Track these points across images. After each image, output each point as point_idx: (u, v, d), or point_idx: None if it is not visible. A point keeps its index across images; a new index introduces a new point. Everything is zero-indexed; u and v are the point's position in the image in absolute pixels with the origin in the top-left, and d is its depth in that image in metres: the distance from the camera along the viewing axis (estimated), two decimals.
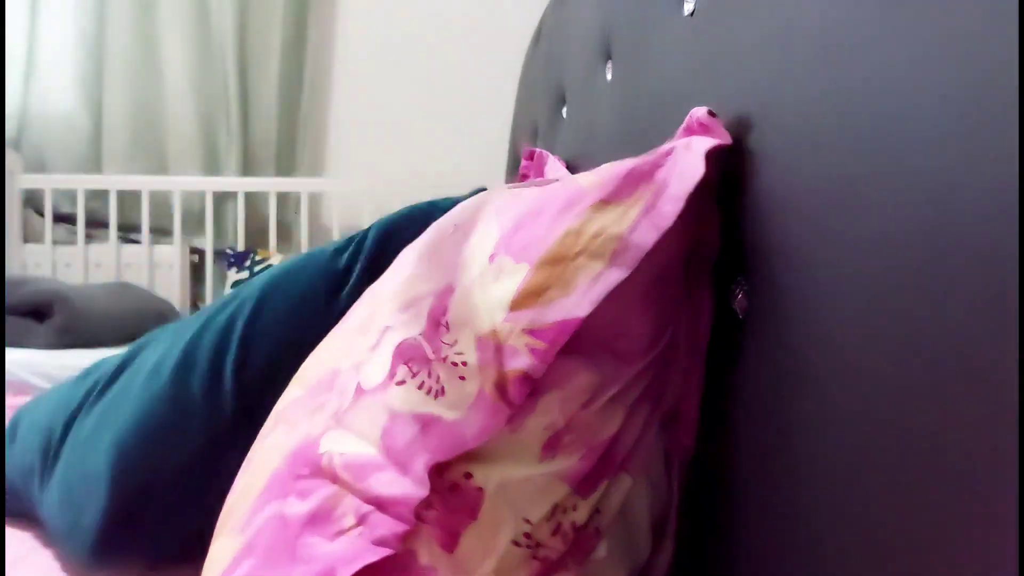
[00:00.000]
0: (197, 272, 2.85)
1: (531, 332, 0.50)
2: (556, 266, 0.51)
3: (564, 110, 1.22)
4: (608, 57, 0.94)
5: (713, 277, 0.55)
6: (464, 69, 2.91)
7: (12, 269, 2.63)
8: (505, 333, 0.51)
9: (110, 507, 0.74)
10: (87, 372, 0.94)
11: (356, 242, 0.90)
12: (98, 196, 2.75)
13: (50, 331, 2.05)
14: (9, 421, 0.97)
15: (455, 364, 0.52)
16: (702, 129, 0.55)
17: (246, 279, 2.53)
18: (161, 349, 0.84)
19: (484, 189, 0.96)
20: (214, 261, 2.80)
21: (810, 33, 0.48)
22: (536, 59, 1.64)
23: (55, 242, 2.72)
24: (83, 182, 2.66)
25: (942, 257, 0.34)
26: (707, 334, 0.55)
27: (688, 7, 0.68)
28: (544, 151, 1.09)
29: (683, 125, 0.57)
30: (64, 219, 2.77)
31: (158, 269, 2.74)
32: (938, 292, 0.35)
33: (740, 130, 0.54)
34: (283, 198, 2.83)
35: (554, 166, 1.05)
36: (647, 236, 0.51)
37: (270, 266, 2.49)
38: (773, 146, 0.51)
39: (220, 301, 0.88)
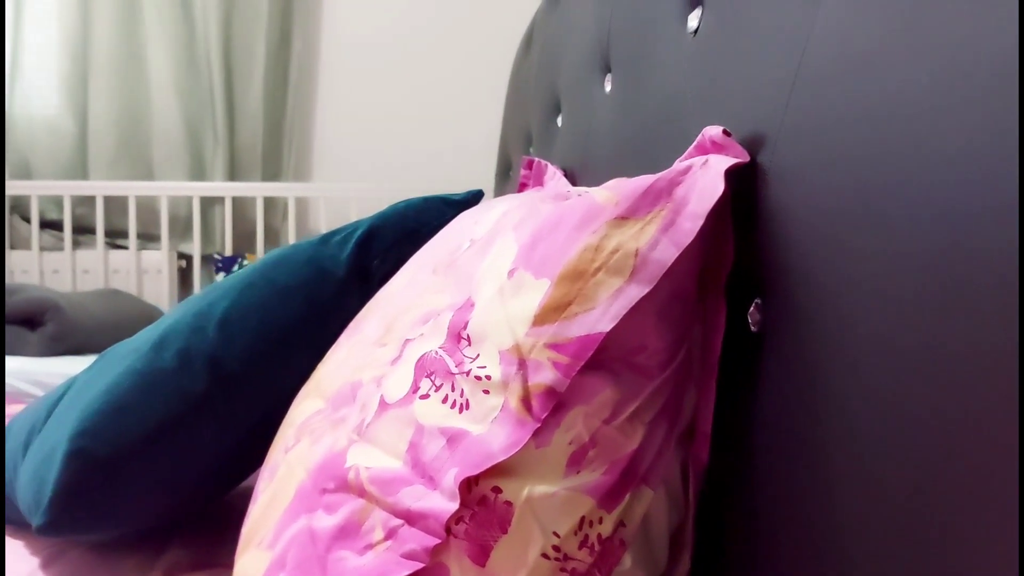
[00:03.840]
0: (185, 277, 2.85)
1: (554, 347, 0.52)
2: (576, 281, 0.53)
3: (559, 118, 1.23)
4: (607, 69, 0.96)
5: (727, 291, 0.57)
6: (450, 72, 2.93)
7: None
8: (528, 347, 0.52)
9: (62, 478, 0.73)
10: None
11: (346, 233, 0.90)
12: (84, 202, 2.74)
13: (42, 339, 2.04)
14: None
15: (478, 378, 0.53)
16: (716, 148, 0.56)
17: None
18: (144, 333, 0.84)
19: (480, 192, 0.98)
20: (202, 266, 2.79)
21: (826, 47, 0.49)
22: (527, 64, 1.65)
23: (42, 248, 2.70)
24: (69, 188, 2.64)
25: (960, 272, 0.36)
26: (720, 348, 0.56)
27: (692, 24, 0.70)
28: (542, 161, 1.10)
29: (695, 143, 0.58)
30: (50, 225, 2.75)
31: (146, 275, 2.73)
32: (957, 307, 0.36)
33: (754, 147, 0.56)
34: (270, 202, 2.83)
35: (553, 175, 1.06)
36: (667, 252, 0.52)
37: None
38: (788, 162, 0.52)
39: (207, 288, 0.88)
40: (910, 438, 0.39)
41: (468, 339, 0.56)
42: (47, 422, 0.83)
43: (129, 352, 0.81)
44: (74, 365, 2.00)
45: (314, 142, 2.93)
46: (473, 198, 0.94)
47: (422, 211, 0.92)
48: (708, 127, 0.57)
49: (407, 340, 0.61)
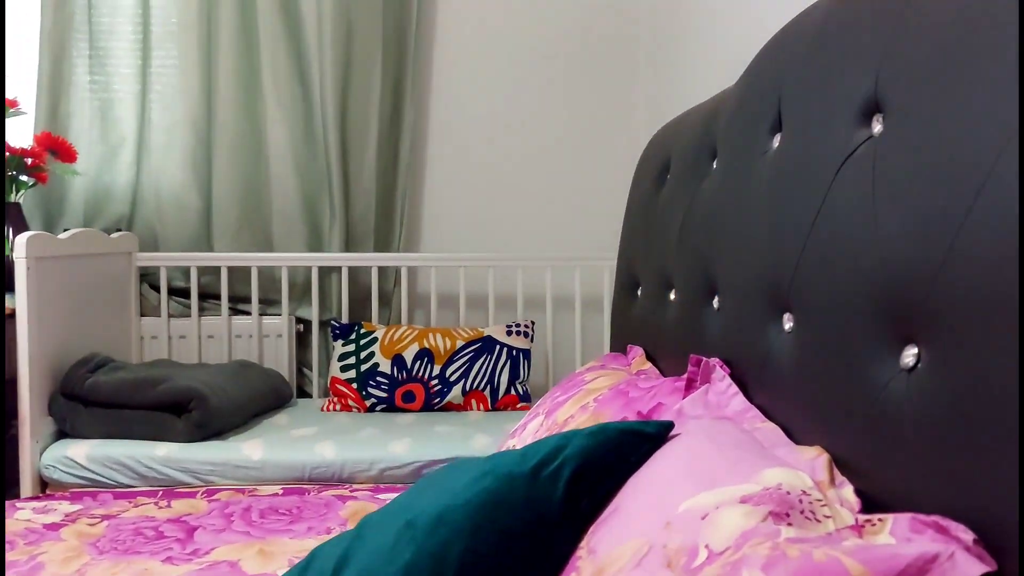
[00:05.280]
0: (302, 340, 3.01)
1: None
2: None
3: (715, 302, 1.32)
4: (787, 310, 1.04)
5: None
6: (552, 147, 3.05)
7: (132, 342, 2.79)
8: None
9: None
10: (306, 564, 1.07)
11: (554, 468, 1.01)
12: (209, 271, 2.91)
13: (187, 426, 2.22)
14: None
15: None
16: (959, 542, 0.65)
17: (352, 351, 2.65)
18: (384, 549, 0.96)
19: (670, 425, 1.07)
20: (319, 330, 2.95)
21: None
22: (659, 200, 1.72)
23: (170, 315, 2.88)
24: (196, 260, 2.81)
25: None
26: None
27: (907, 361, 0.76)
28: (710, 360, 1.19)
29: (935, 523, 0.67)
30: (178, 293, 2.93)
31: (267, 339, 2.90)
32: None
33: (1000, 553, 0.64)
34: (383, 269, 2.97)
35: (722, 378, 1.16)
36: None
37: (375, 339, 2.62)
38: None
39: (429, 518, 0.99)
40: None
41: None
42: None
43: None
44: (213, 451, 2.20)
45: (423, 213, 3.07)
46: (665, 430, 1.04)
47: (620, 444, 1.01)
48: (958, 528, 0.66)
49: None
